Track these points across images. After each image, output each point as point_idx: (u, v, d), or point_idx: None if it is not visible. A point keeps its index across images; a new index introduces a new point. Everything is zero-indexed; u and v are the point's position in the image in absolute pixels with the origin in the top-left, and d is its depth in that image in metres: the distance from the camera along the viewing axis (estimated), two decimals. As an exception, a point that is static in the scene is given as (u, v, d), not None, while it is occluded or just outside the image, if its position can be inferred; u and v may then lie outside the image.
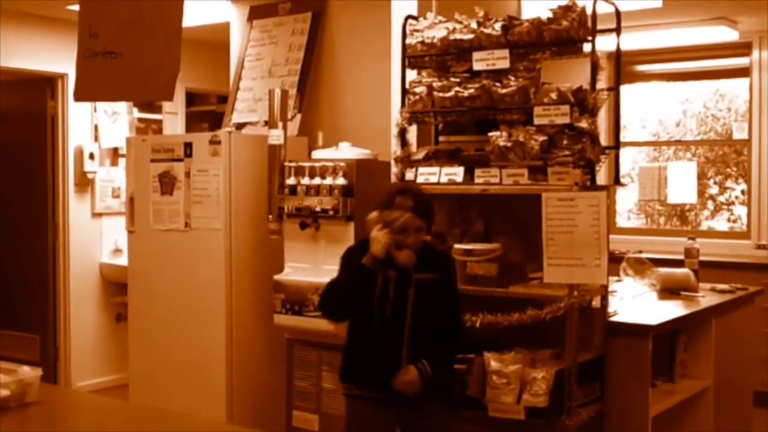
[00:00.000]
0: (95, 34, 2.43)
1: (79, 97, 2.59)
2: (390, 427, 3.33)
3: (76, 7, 2.67)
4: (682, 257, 4.83)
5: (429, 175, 3.98)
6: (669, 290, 4.56)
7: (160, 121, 7.30)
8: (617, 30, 3.85)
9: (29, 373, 2.63)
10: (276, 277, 4.41)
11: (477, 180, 3.85)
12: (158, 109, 7.26)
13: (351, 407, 3.42)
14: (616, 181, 4.08)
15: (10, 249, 6.99)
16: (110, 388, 6.48)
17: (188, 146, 4.66)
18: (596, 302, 3.76)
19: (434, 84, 4.00)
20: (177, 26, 2.46)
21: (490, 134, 3.83)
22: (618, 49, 3.88)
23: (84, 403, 3.04)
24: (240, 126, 5.03)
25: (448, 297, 3.39)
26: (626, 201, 7.57)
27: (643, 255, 4.97)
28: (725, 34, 6.37)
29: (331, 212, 4.18)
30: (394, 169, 4.15)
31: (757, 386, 5.09)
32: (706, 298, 4.46)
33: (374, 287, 3.25)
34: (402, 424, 3.33)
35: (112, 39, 2.44)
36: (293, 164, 4.37)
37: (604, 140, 3.90)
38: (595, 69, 3.68)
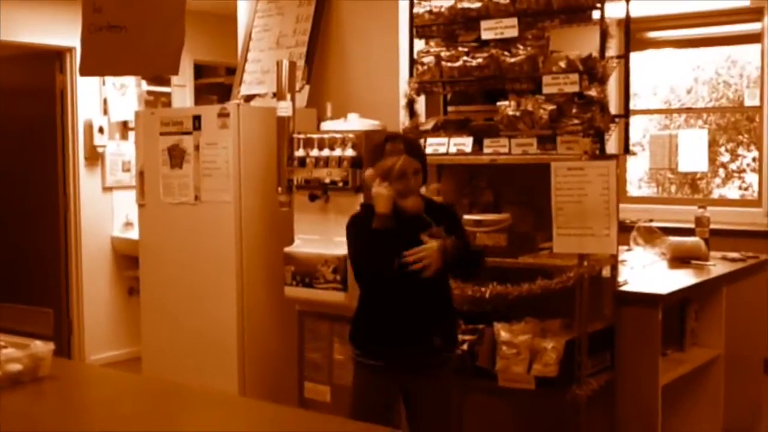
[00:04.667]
0: (99, 8, 2.43)
1: (84, 71, 2.59)
2: (395, 395, 3.29)
3: (81, -19, 2.66)
4: (692, 226, 4.81)
5: (438, 146, 3.97)
6: (679, 259, 4.55)
7: (168, 94, 7.29)
8: (627, -4, 3.81)
9: (42, 347, 2.64)
10: (286, 249, 4.41)
11: (486, 150, 3.84)
12: (167, 82, 7.24)
13: (356, 372, 3.37)
14: (626, 149, 4.06)
15: (22, 224, 7.02)
16: (123, 362, 6.52)
17: (197, 119, 4.65)
18: (606, 272, 3.76)
19: (442, 54, 3.98)
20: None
21: (498, 104, 3.81)
22: (627, 15, 3.85)
23: (96, 376, 3.06)
24: (248, 98, 5.02)
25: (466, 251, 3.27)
26: (637, 169, 7.53)
27: (654, 224, 4.95)
28: (737, -1, 6.31)
29: (340, 184, 4.17)
30: (403, 140, 4.13)
31: (768, 354, 5.09)
32: (717, 266, 4.45)
33: (399, 244, 3.13)
34: (404, 391, 3.28)
35: (116, 13, 2.43)
36: (302, 136, 4.36)
37: (613, 108, 3.88)
38: (604, 36, 3.65)
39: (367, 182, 3.25)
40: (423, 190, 3.34)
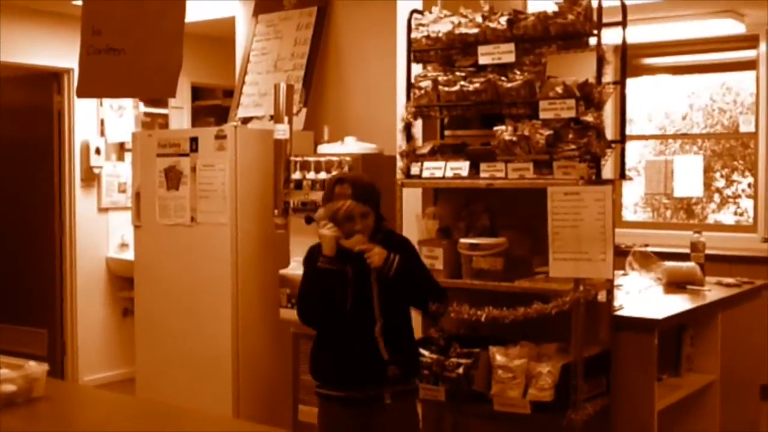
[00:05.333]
0: (98, 31, 2.44)
1: (82, 94, 2.60)
2: (357, 427, 3.26)
3: (81, 2, 2.68)
4: (688, 251, 4.82)
5: (434, 170, 3.98)
6: (675, 284, 4.55)
7: (166, 116, 7.30)
8: (623, 23, 3.83)
9: (36, 368, 2.64)
10: (282, 271, 4.41)
11: (482, 174, 3.84)
12: (164, 104, 7.26)
13: (320, 405, 3.36)
14: (622, 175, 4.06)
15: (17, 244, 7.00)
16: (117, 382, 6.50)
17: (194, 141, 4.66)
18: (602, 296, 3.76)
19: (439, 78, 4.00)
20: (179, 23, 2.46)
21: (495, 128, 3.82)
22: (624, 42, 3.87)
23: (90, 398, 3.05)
24: (246, 120, 5.04)
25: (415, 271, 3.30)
26: (632, 194, 7.55)
27: (649, 249, 4.96)
28: (732, 26, 6.35)
29: (336, 207, 4.17)
30: (400, 164, 4.15)
31: (764, 380, 5.07)
32: (713, 291, 4.45)
33: (344, 284, 3.19)
34: (370, 426, 3.25)
35: (114, 36, 2.44)
36: (299, 159, 4.37)
37: (610, 134, 3.89)
38: (601, 62, 3.67)
39: (317, 222, 3.29)
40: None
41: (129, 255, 6.25)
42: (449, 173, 3.94)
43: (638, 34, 6.13)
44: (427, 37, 4.09)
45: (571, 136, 3.64)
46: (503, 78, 3.82)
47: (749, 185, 7.06)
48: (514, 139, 3.71)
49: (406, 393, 3.30)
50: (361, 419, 3.25)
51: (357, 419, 3.25)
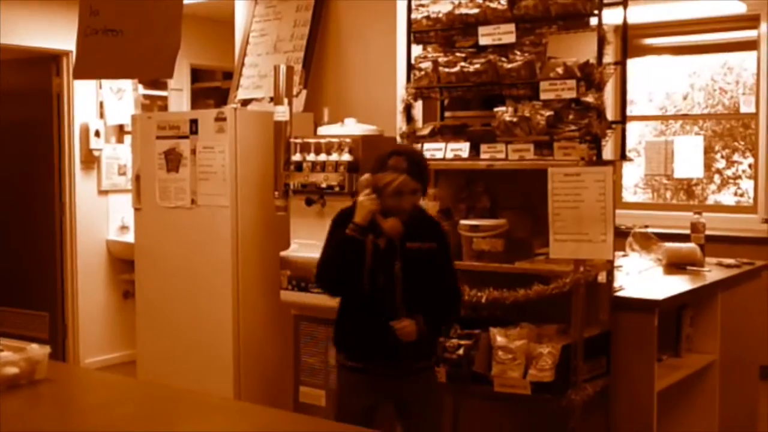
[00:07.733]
0: (96, 11, 2.42)
1: (78, 75, 2.59)
2: (378, 400, 3.28)
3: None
4: (688, 232, 4.82)
5: (435, 151, 3.97)
6: (675, 265, 4.56)
7: (165, 98, 7.28)
8: (624, 3, 3.82)
9: (38, 350, 2.64)
10: (282, 253, 4.41)
11: (483, 155, 3.84)
12: (163, 86, 7.24)
13: (341, 378, 3.37)
14: (623, 155, 4.06)
15: (17, 227, 7.00)
16: (118, 365, 6.52)
17: (194, 123, 4.65)
18: (602, 277, 3.76)
19: (440, 59, 3.98)
20: (178, 4, 2.45)
21: (496, 109, 3.81)
22: (625, 22, 3.86)
23: (92, 380, 3.06)
24: (245, 102, 5.02)
25: (444, 266, 3.28)
26: (633, 175, 7.55)
27: (650, 230, 4.96)
28: (733, 6, 6.32)
29: (336, 188, 4.18)
30: (400, 145, 4.14)
31: (764, 360, 5.09)
32: (713, 272, 4.46)
33: (364, 255, 3.12)
34: (393, 398, 3.29)
35: (112, 16, 2.43)
36: (299, 140, 4.36)
37: (610, 115, 3.89)
38: (601, 43, 3.66)
39: (358, 187, 3.21)
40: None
41: (129, 237, 6.25)
42: (449, 154, 3.94)
43: (639, 14, 6.10)
44: (427, 17, 4.07)
45: (571, 116, 3.64)
46: (504, 59, 3.80)
47: (750, 166, 7.05)
48: (515, 120, 3.71)
49: (427, 368, 3.33)
50: (381, 390, 3.25)
51: (377, 389, 3.25)
